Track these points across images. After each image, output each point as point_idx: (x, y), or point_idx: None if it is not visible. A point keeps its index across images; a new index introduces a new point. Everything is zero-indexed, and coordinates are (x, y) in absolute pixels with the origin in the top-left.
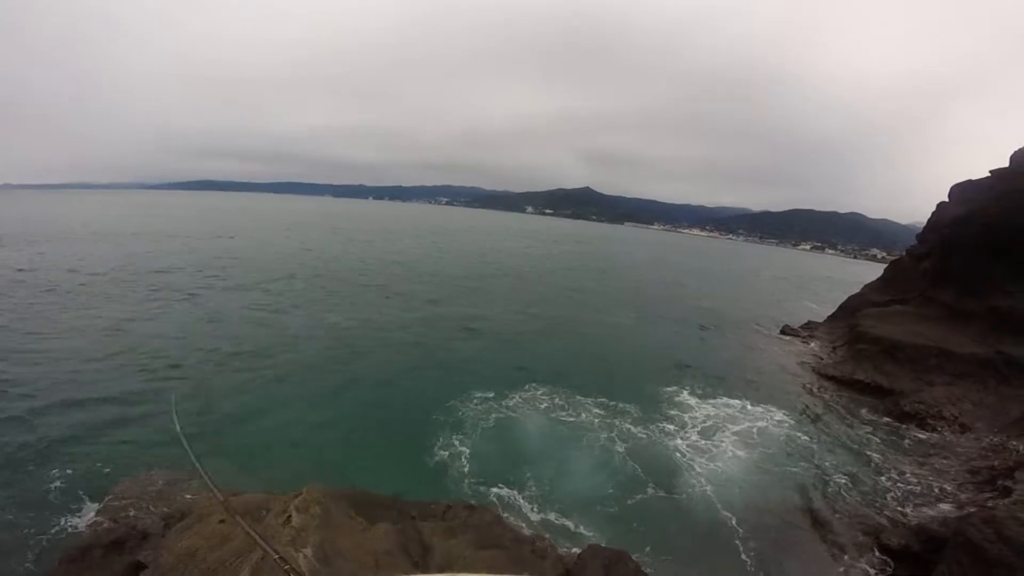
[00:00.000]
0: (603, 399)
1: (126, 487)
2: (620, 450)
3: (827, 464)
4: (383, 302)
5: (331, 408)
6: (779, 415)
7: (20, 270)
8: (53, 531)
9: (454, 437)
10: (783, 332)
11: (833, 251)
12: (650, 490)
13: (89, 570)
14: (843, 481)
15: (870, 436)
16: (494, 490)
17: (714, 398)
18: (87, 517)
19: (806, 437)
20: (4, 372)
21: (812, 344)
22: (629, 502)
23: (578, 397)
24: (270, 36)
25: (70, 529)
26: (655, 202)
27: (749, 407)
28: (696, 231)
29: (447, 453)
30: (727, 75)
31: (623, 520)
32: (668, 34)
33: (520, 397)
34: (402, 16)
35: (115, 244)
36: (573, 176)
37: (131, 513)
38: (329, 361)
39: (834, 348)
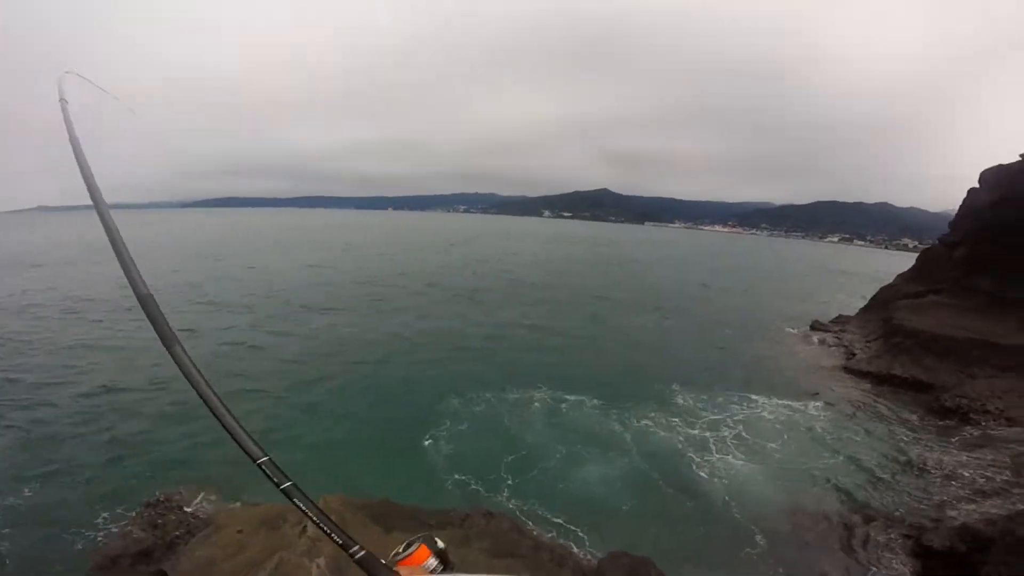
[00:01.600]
0: (626, 403)
1: (161, 497)
2: (641, 454)
3: (862, 462)
4: (381, 315)
5: (365, 418)
6: (810, 413)
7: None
8: (91, 536)
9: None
10: (812, 328)
11: (862, 242)
12: (673, 493)
13: None
14: (880, 480)
15: (908, 433)
16: (513, 498)
17: (739, 398)
18: (122, 525)
19: (839, 435)
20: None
21: (844, 339)
22: (651, 507)
23: (600, 401)
24: (286, 60)
25: (102, 537)
26: (675, 200)
27: (777, 406)
28: (718, 228)
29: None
30: (743, 66)
31: (645, 525)
32: (678, 26)
33: (539, 402)
34: (412, 31)
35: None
36: (590, 178)
37: (160, 522)
38: (359, 371)
39: (867, 343)
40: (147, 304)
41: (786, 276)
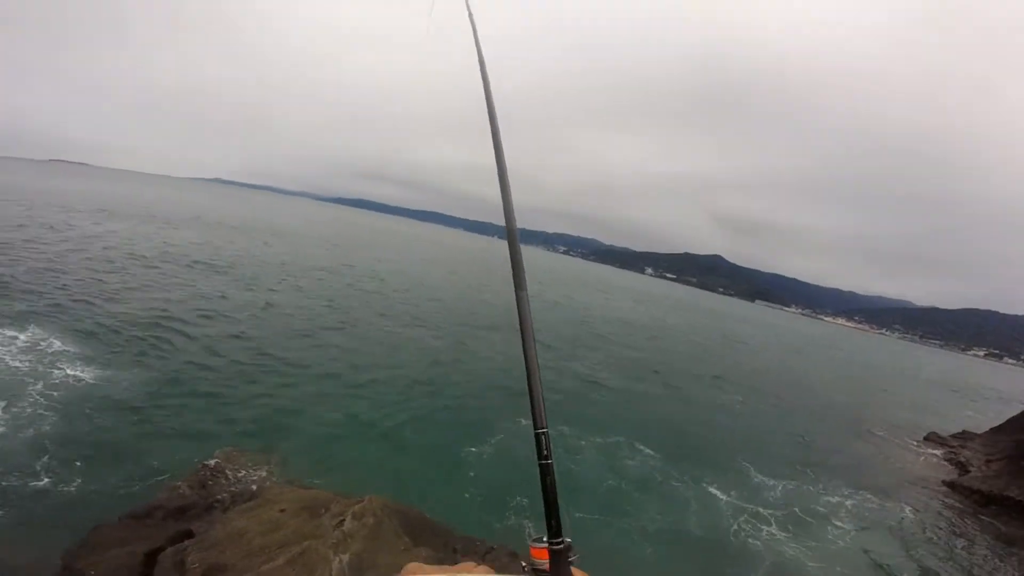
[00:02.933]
0: (692, 468)
1: (219, 458)
2: (695, 518)
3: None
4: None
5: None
6: (888, 515)
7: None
8: (143, 486)
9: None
10: (926, 439)
11: (1014, 361)
12: (716, 559)
13: (145, 528)
14: None
15: (1011, 558)
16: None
17: (815, 489)
18: (178, 478)
19: (913, 544)
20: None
21: (960, 455)
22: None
23: (664, 462)
24: (422, 86)
25: (162, 485)
26: (795, 281)
27: (853, 504)
28: (842, 321)
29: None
30: (888, 132)
31: None
32: (815, 87)
33: (597, 449)
34: (537, 73)
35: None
36: (701, 241)
37: (209, 483)
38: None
39: (988, 462)
40: (513, 247)
41: (911, 383)
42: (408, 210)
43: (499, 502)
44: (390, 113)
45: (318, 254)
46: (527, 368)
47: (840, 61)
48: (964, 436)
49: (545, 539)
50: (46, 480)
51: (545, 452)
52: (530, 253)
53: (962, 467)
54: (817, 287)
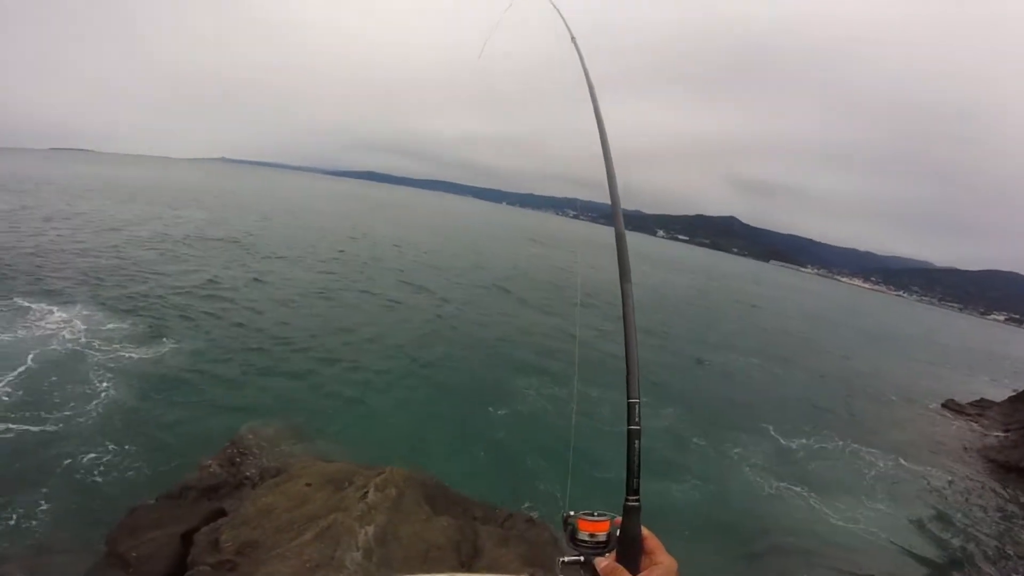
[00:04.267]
0: (713, 431)
1: (245, 434)
2: (715, 480)
3: (952, 535)
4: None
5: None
6: (905, 471)
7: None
8: (176, 464)
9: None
10: (945, 406)
11: None
12: (740, 521)
13: (179, 508)
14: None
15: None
16: (560, 508)
17: (835, 447)
18: (210, 456)
19: (934, 501)
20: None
21: (979, 423)
22: (712, 529)
23: (685, 424)
24: (421, 53)
25: (198, 463)
26: (811, 241)
27: (869, 458)
28: (859, 281)
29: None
30: (909, 96)
31: (699, 544)
32: (837, 51)
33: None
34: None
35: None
36: (715, 203)
37: (238, 460)
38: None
39: (1007, 431)
40: (620, 240)
41: (927, 347)
42: (416, 180)
43: (515, 470)
44: (398, 84)
45: (335, 227)
46: (627, 345)
47: (863, 25)
48: (982, 404)
49: (626, 498)
50: (86, 461)
51: (636, 420)
52: (539, 218)
53: (981, 435)
54: (833, 247)
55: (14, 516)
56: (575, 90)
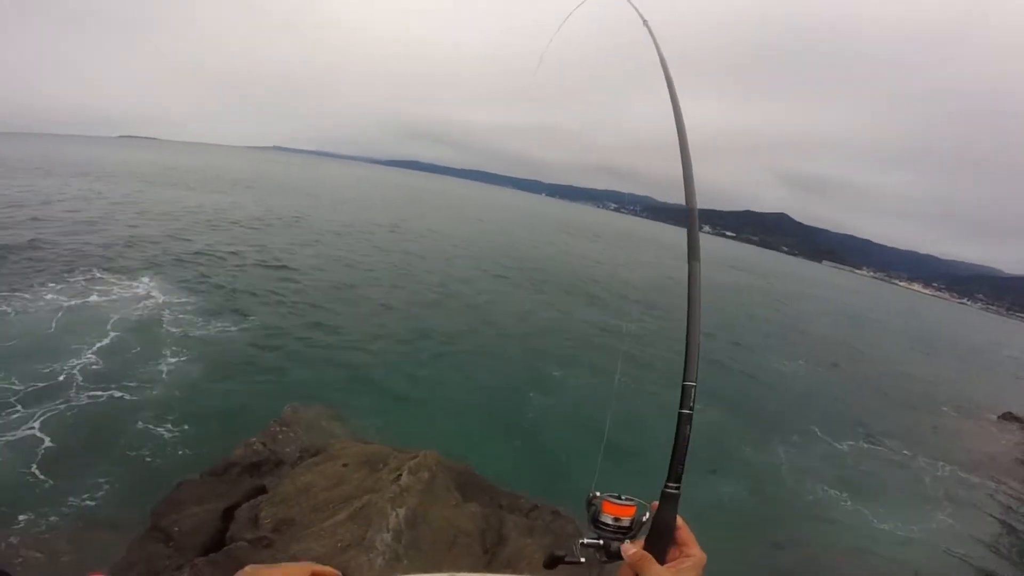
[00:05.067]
0: (755, 430)
1: (288, 414)
2: (754, 479)
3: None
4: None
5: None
6: (971, 498)
7: None
8: (223, 441)
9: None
10: (1002, 417)
11: None
12: (778, 523)
13: (223, 484)
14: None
15: None
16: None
17: (894, 464)
18: (249, 434)
19: (974, 514)
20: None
21: None
22: (741, 530)
23: (728, 422)
24: (464, 47)
25: (229, 443)
26: (868, 242)
27: (935, 481)
28: (918, 287)
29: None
30: (980, 89)
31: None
32: (896, 44)
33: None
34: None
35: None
36: (766, 199)
37: (280, 438)
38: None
39: None
40: (692, 215)
41: (990, 358)
42: (457, 170)
43: (543, 461)
44: (443, 78)
45: (379, 218)
46: (688, 324)
47: (926, 18)
48: None
49: (666, 484)
50: (142, 435)
51: (691, 404)
52: (575, 210)
53: None
54: (891, 249)
55: (71, 489)
56: (630, 80)
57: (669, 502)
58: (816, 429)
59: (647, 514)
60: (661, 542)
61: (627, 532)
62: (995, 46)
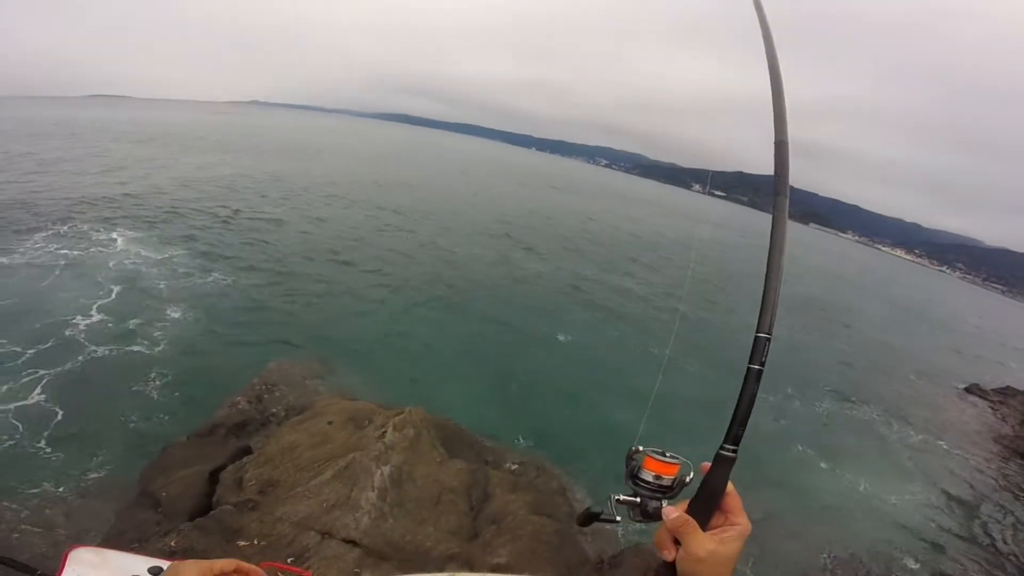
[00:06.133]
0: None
1: (272, 370)
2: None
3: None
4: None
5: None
6: (933, 467)
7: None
8: (208, 401)
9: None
10: (968, 390)
11: None
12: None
13: (208, 447)
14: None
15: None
16: (571, 461)
17: (858, 430)
18: (239, 392)
19: (941, 481)
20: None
21: (999, 411)
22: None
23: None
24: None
25: (214, 403)
26: (855, 207)
27: (898, 449)
28: (899, 252)
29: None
30: (976, 63)
31: None
32: (900, 19)
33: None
34: None
35: None
36: (759, 161)
37: (265, 396)
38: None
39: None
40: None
41: (959, 329)
42: (448, 123)
43: (528, 417)
44: (432, 25)
45: (365, 170)
46: (768, 269)
47: None
48: (1007, 392)
49: (722, 445)
50: (125, 398)
51: (763, 358)
52: (567, 165)
53: (1002, 423)
54: (877, 215)
55: (63, 457)
56: (628, 39)
57: (723, 465)
58: (789, 389)
59: (690, 475)
60: (707, 507)
61: (666, 492)
62: (1007, 23)
